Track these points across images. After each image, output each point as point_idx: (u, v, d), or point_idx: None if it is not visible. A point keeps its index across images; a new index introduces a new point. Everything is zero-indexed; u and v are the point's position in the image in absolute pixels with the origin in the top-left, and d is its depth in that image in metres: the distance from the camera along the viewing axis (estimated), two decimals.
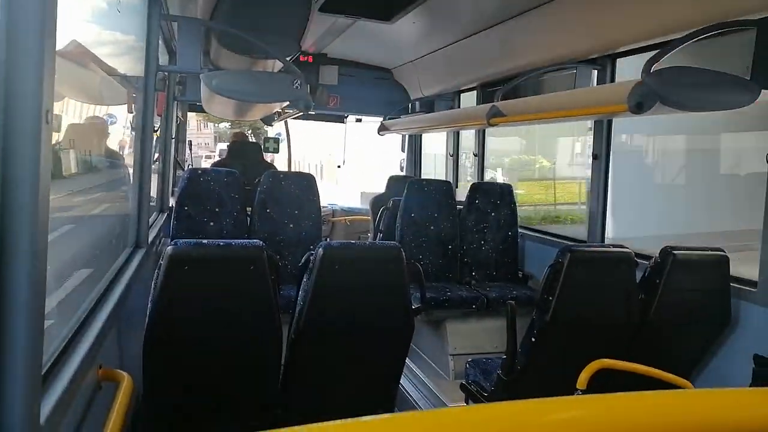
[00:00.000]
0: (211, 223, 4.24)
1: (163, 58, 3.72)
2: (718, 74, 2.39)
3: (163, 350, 2.16)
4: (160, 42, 3.08)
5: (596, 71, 3.67)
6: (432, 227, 4.63)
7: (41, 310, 1.01)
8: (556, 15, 3.47)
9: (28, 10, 0.89)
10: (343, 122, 7.44)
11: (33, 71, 0.90)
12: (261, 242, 2.22)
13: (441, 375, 4.24)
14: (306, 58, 5.45)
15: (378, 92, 6.12)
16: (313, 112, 5.51)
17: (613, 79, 3.59)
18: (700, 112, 2.55)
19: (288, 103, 3.57)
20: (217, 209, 4.26)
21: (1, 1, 0.89)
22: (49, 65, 0.94)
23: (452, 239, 4.66)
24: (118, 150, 2.93)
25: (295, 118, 6.81)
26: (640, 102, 2.32)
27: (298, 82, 2.92)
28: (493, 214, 4.67)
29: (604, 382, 2.28)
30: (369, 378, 2.63)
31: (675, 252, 2.63)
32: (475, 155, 5.53)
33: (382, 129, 6.22)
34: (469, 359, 3.21)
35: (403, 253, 2.42)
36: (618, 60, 3.57)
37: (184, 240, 2.15)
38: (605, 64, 3.58)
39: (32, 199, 0.92)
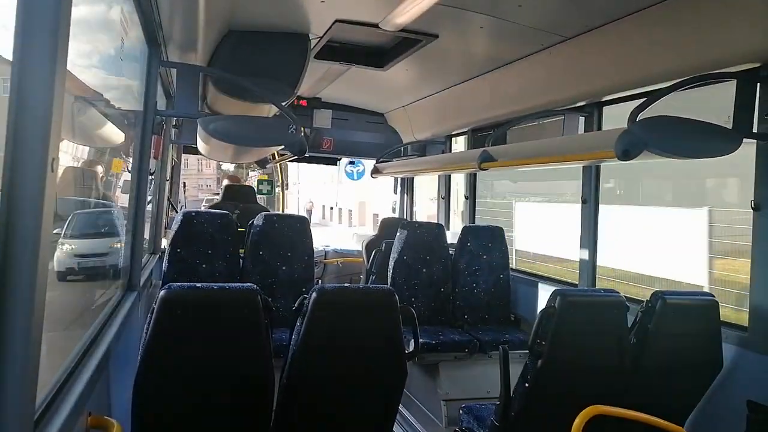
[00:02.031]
0: (204, 266, 4.22)
1: (161, 102, 3.79)
2: (700, 123, 2.48)
3: (154, 395, 2.12)
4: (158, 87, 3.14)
5: (583, 118, 3.77)
6: (424, 270, 4.63)
7: (36, 359, 1.01)
8: (544, 64, 3.59)
9: (40, 65, 0.93)
10: (335, 165, 7.54)
11: (42, 122, 0.93)
12: (255, 286, 2.21)
13: (433, 421, 4.16)
14: (300, 101, 5.56)
15: (371, 136, 6.22)
16: (307, 155, 5.57)
17: (600, 126, 3.69)
18: (685, 159, 2.62)
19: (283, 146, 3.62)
20: (209, 251, 4.25)
21: (14, 55, 0.92)
22: (57, 117, 0.97)
23: (444, 282, 4.66)
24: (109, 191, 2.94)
25: (290, 161, 6.88)
26: (627, 149, 2.40)
27: (294, 126, 2.97)
28: (485, 256, 4.69)
29: (598, 428, 2.27)
30: (361, 424, 2.58)
31: (665, 297, 2.65)
32: (466, 198, 5.59)
33: (375, 172, 6.29)
34: (462, 405, 3.16)
35: (397, 298, 2.43)
36: (605, 107, 3.68)
37: (178, 284, 2.14)
38: (592, 111, 3.68)
39: (33, 248, 0.93)
